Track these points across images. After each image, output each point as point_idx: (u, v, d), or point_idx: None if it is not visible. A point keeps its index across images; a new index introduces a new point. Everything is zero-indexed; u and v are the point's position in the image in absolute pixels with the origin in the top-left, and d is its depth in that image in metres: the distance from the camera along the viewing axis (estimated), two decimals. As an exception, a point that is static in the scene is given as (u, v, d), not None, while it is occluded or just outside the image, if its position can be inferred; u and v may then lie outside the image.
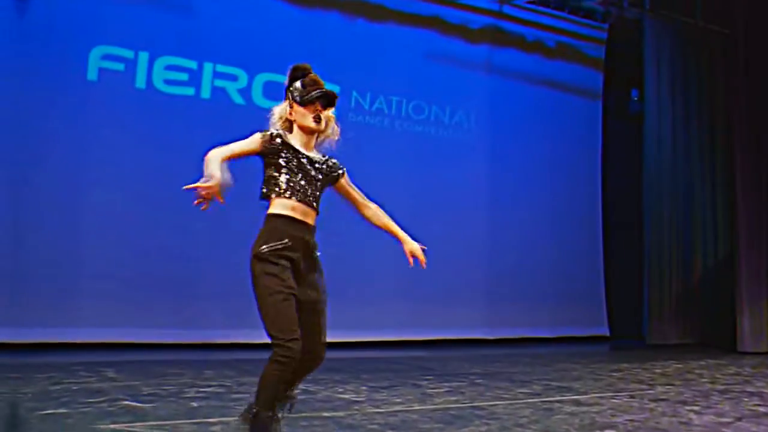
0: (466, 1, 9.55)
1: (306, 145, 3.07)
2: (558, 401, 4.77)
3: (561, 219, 10.09)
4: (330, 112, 3.14)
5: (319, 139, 3.14)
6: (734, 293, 8.99)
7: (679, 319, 9.55)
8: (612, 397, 4.98)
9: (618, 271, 10.43)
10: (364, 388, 5.33)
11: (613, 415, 4.28)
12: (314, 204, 3.05)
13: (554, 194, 10.05)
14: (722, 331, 9.27)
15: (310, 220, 3.04)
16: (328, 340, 3.09)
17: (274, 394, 2.89)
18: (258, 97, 8.34)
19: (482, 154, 9.66)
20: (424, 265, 3.17)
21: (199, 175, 2.75)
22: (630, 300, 10.27)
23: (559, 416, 4.24)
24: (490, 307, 9.39)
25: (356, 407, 4.53)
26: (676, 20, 9.96)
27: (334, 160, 3.18)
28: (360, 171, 7.37)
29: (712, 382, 6.01)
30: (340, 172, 3.15)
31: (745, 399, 5.07)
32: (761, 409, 4.65)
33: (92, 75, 7.41)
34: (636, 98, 10.55)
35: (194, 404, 4.30)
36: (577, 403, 4.72)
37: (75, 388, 4.67)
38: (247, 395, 3.89)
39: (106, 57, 7.54)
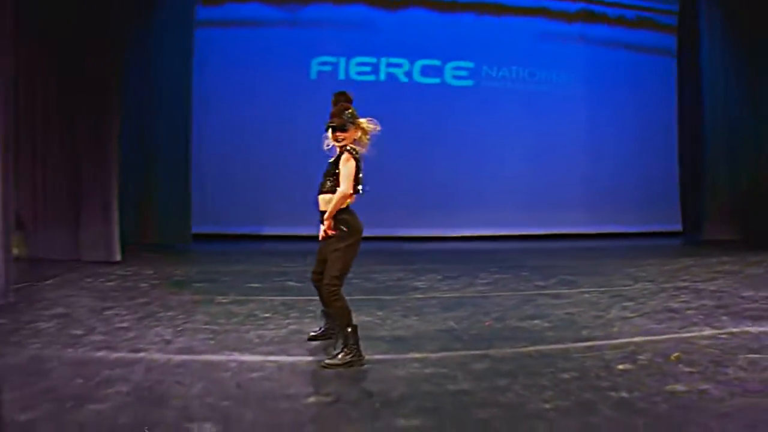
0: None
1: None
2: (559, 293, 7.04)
3: (644, 143, 13.85)
4: (331, 134, 4.40)
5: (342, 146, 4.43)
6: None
7: (729, 220, 12.95)
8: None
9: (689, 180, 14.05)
10: (438, 276, 8.15)
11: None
12: (325, 192, 4.41)
13: (639, 127, 13.80)
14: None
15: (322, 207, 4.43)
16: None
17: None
18: (417, 76, 13.10)
19: (581, 102, 13.71)
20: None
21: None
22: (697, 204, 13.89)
23: (538, 303, 6.47)
24: (589, 210, 13.55)
25: (418, 293, 7.08)
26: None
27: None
28: (494, 118, 13.38)
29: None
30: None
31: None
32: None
33: (313, 75, 12.58)
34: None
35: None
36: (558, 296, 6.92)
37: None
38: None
39: (321, 63, 12.66)
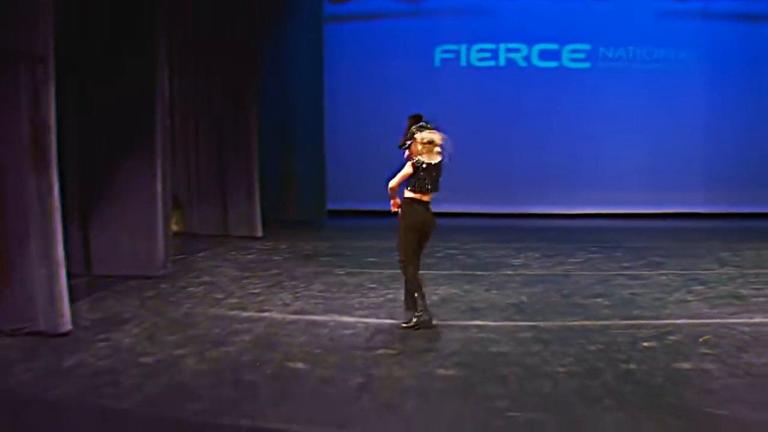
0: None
1: None
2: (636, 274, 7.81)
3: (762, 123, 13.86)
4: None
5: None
6: None
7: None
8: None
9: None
10: (536, 255, 9.17)
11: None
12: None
13: (762, 102, 13.75)
14: None
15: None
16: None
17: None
18: (535, 60, 13.87)
19: (701, 78, 13.89)
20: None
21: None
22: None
23: (613, 283, 7.31)
24: (707, 189, 13.77)
25: (510, 270, 8.15)
26: None
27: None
28: (611, 99, 14.18)
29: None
30: None
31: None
32: None
33: (437, 63, 13.69)
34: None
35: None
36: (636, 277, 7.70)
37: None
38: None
39: (444, 51, 13.78)
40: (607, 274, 7.91)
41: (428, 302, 5.79)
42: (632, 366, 4.71)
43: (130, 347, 5.16)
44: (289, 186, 13.00)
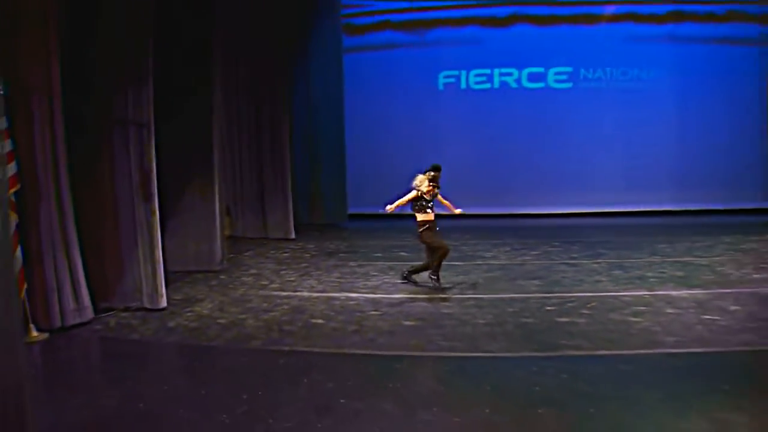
0: (653, -2, 16.54)
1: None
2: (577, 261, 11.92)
3: (733, 127, 16.49)
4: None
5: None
6: None
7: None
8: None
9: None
10: (507, 249, 12.29)
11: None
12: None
13: (727, 113, 16.46)
14: None
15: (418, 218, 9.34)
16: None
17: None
18: (525, 82, 16.79)
19: (670, 94, 16.71)
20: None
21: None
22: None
23: (554, 269, 11.68)
24: (678, 190, 16.57)
25: (479, 260, 11.65)
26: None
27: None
28: (591, 114, 17.74)
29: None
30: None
31: None
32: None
33: (441, 86, 16.72)
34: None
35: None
36: (575, 265, 11.88)
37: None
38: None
39: (446, 76, 16.80)
40: (553, 263, 10.86)
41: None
42: (530, 320, 7.72)
43: (208, 315, 8.32)
44: (316, 194, 16.16)
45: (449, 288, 9.32)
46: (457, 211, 9.71)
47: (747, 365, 6.24)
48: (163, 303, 8.68)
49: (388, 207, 9.26)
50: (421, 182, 9.32)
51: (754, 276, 9.70)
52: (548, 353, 6.69)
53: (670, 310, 7.99)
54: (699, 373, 6.04)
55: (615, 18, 16.63)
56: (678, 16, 16.64)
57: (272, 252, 12.55)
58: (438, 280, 9.32)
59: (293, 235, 14.06)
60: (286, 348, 6.98)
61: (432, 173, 9.43)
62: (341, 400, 5.57)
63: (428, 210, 9.29)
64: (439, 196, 9.52)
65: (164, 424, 5.32)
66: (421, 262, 9.76)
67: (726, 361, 6.37)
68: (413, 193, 9.29)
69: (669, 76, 16.77)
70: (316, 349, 6.92)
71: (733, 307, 8.05)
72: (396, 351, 6.83)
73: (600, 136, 16.58)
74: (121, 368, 6.69)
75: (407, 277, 9.67)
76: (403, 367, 6.39)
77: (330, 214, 16.24)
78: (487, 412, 5.33)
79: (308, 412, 5.35)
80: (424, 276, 9.54)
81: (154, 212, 8.65)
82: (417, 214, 9.33)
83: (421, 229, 9.28)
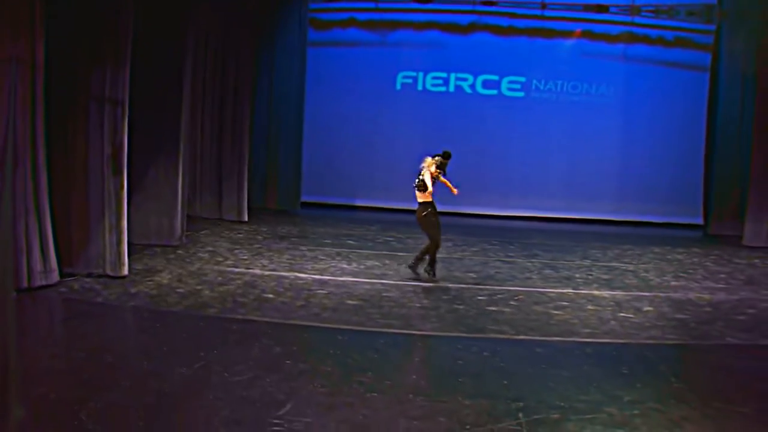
0: (606, 17, 17.73)
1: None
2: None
3: (674, 147, 17.74)
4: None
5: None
6: None
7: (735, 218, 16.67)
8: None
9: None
10: (449, 245, 13.05)
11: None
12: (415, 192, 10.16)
13: (669, 133, 17.75)
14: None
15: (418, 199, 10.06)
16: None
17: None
18: (479, 88, 17.90)
19: (617, 110, 17.87)
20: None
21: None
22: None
23: (489, 264, 12.92)
24: (619, 201, 17.82)
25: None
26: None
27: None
28: (541, 124, 18.89)
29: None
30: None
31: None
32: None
33: (398, 86, 17.76)
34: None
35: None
36: (510, 262, 13.22)
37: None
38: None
39: (405, 76, 17.84)
40: (490, 259, 11.94)
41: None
42: (461, 307, 8.75)
43: (168, 284, 9.18)
44: (271, 181, 17.00)
45: (390, 275, 10.34)
46: (456, 191, 10.59)
47: (646, 356, 7.28)
48: (125, 271, 9.48)
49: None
50: (429, 165, 9.98)
51: (672, 283, 10.83)
52: (474, 335, 7.72)
53: (590, 307, 9.08)
54: (604, 359, 7.11)
55: (570, 34, 17.84)
56: (630, 38, 17.86)
57: (226, 232, 13.38)
58: (415, 269, 10.17)
59: (246, 218, 14.89)
60: (239, 317, 7.90)
61: (441, 159, 10.21)
62: (287, 362, 6.51)
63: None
64: (441, 177, 10.24)
65: (131, 373, 6.18)
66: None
67: (630, 351, 7.42)
68: (432, 171, 9.95)
69: (617, 94, 17.97)
70: (266, 319, 7.86)
71: (647, 308, 9.15)
72: (338, 325, 7.80)
73: (547, 146, 17.71)
74: (87, 327, 7.54)
75: (414, 267, 10.29)
76: (344, 339, 7.37)
77: (284, 200, 17.09)
78: (414, 378, 6.33)
79: (258, 369, 6.26)
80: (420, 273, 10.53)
81: (122, 186, 9.44)
82: (419, 194, 10.01)
83: (424, 213, 9.99)
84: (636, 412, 5.68)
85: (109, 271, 9.44)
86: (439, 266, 10.84)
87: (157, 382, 5.96)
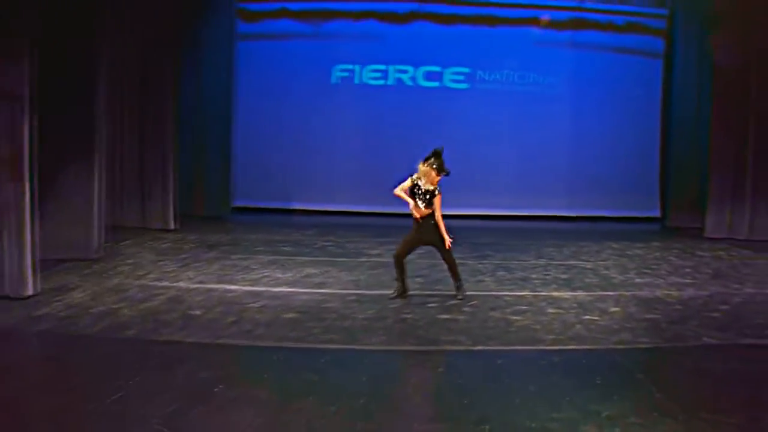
0: (554, 2, 17.38)
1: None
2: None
3: (628, 136, 17.49)
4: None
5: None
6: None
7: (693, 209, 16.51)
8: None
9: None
10: (391, 247, 13.10)
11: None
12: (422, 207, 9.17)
13: (621, 122, 17.48)
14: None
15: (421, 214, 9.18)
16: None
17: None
18: (420, 80, 17.36)
19: (567, 100, 17.56)
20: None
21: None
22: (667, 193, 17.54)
23: (439, 268, 12.49)
24: (572, 195, 17.50)
25: (363, 257, 11.73)
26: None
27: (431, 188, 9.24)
28: (486, 116, 18.31)
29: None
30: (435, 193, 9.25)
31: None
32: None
33: (335, 80, 17.08)
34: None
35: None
36: (462, 264, 12.83)
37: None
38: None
39: (341, 70, 17.19)
40: (437, 262, 11.26)
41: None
42: (410, 316, 8.16)
43: (80, 304, 8.34)
44: (200, 185, 16.18)
45: (330, 284, 9.70)
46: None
47: (620, 362, 6.80)
48: (29, 291, 8.61)
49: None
50: (427, 174, 9.44)
51: (637, 280, 10.45)
52: (427, 347, 7.14)
53: (551, 310, 8.58)
54: (574, 368, 6.58)
55: (515, 22, 17.39)
56: (579, 24, 17.53)
57: (151, 242, 12.53)
58: (462, 290, 9.17)
59: (173, 226, 14.05)
60: (162, 338, 7.14)
61: (436, 161, 9.52)
62: (216, 389, 5.80)
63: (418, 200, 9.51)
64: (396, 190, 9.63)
65: (26, 413, 5.39)
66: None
67: (601, 358, 6.93)
68: (434, 180, 9.50)
69: (567, 82, 17.63)
70: (192, 339, 7.12)
71: (612, 309, 8.72)
72: (274, 343, 7.11)
73: (494, 139, 17.22)
74: (-24, 357, 6.66)
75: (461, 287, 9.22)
76: (281, 359, 6.68)
77: (213, 206, 16.30)
78: (362, 402, 5.67)
79: (182, 400, 5.54)
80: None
81: (23, 192, 8.56)
82: (424, 208, 9.53)
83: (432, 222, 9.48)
84: (617, 430, 5.15)
85: (8, 292, 8.55)
86: (382, 272, 10.29)
87: (58, 422, 5.20)
